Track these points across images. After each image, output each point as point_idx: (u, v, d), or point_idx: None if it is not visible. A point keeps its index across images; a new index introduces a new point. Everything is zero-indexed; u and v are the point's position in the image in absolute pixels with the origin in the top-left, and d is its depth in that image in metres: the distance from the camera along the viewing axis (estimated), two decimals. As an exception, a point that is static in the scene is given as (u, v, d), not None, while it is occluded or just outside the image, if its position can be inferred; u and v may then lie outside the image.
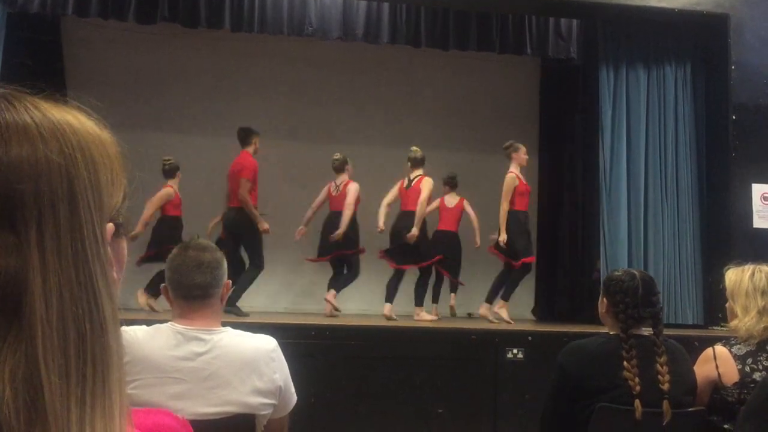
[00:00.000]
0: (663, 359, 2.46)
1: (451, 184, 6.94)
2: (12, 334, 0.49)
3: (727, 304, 2.80)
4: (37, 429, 0.49)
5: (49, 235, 0.52)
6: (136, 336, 1.96)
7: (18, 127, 0.53)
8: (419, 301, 6.44)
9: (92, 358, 0.53)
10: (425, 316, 6.32)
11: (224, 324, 2.14)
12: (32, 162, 0.52)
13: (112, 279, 0.56)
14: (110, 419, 0.53)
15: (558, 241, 7.96)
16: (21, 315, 0.50)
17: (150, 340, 1.97)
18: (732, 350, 2.66)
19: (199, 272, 2.03)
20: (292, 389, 2.14)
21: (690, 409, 2.51)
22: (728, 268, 2.83)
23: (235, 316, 5.38)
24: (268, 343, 2.10)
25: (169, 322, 2.05)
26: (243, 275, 5.85)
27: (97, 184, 0.55)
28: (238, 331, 2.10)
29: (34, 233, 0.51)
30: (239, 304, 5.78)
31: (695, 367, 2.66)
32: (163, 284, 2.13)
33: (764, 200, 6.18)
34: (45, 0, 6.18)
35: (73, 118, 0.57)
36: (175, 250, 2.11)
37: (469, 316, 7.04)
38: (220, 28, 6.67)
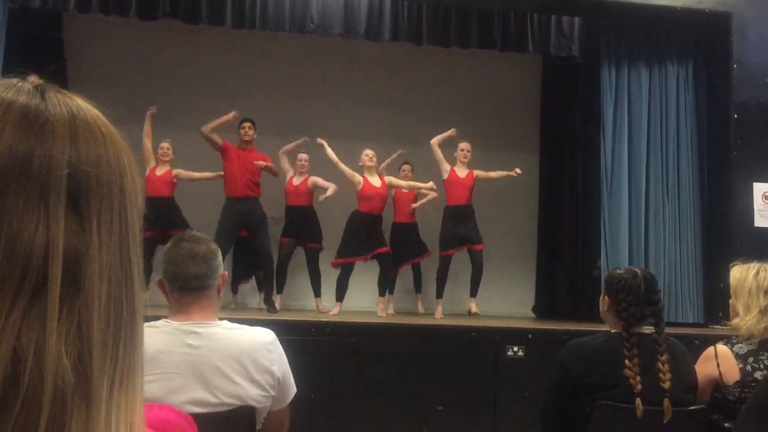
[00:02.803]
0: (664, 357, 2.46)
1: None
2: (67, 307, 0.52)
3: (730, 301, 2.79)
4: (80, 402, 0.52)
5: (105, 221, 0.56)
6: None
7: (83, 121, 0.57)
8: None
9: (124, 341, 0.56)
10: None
11: (221, 319, 2.14)
12: (96, 153, 0.57)
13: (142, 273, 0.60)
14: (133, 402, 0.57)
15: (558, 239, 7.95)
16: (78, 292, 0.53)
17: (146, 337, 1.95)
18: (733, 349, 2.66)
19: (194, 263, 2.03)
20: (291, 381, 2.15)
21: (691, 408, 2.51)
22: (734, 265, 2.81)
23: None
24: (266, 335, 2.10)
25: (163, 319, 2.05)
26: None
27: (134, 185, 0.60)
28: (235, 324, 2.10)
29: (95, 217, 0.55)
30: None
31: (696, 366, 2.65)
32: (159, 278, 2.12)
33: (765, 199, 6.18)
34: (47, -5, 6.19)
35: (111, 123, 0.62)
36: (169, 244, 2.11)
37: (470, 313, 7.04)
38: (222, 24, 6.66)
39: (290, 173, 6.77)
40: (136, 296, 0.58)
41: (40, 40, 7.13)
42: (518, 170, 6.55)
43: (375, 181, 6.44)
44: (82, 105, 0.59)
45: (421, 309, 6.90)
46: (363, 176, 6.43)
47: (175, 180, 6.56)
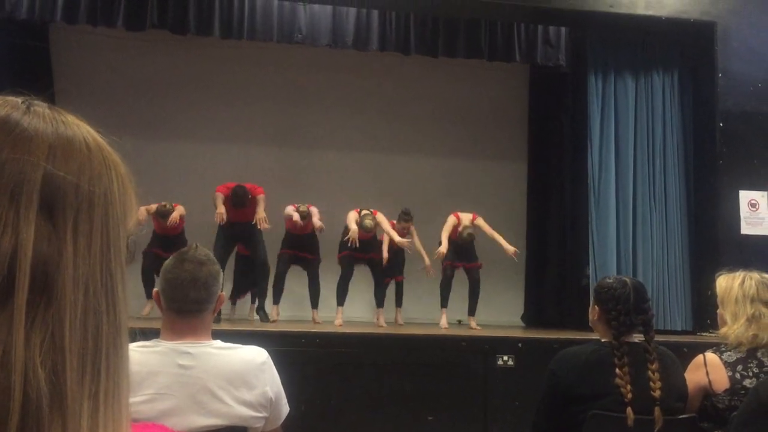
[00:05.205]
0: (654, 366, 2.47)
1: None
2: (39, 316, 0.51)
3: (717, 311, 2.80)
4: (56, 415, 0.50)
5: (83, 231, 0.55)
6: None
7: (66, 135, 0.57)
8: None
9: (107, 355, 0.55)
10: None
11: (216, 334, 2.11)
12: (77, 164, 0.56)
13: (128, 289, 0.59)
14: (118, 420, 0.55)
15: (547, 248, 7.98)
16: (50, 298, 0.52)
17: (138, 358, 1.93)
18: (722, 357, 2.66)
19: (194, 289, 1.99)
20: (284, 400, 2.12)
21: (681, 416, 2.52)
22: (720, 274, 2.82)
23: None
24: (258, 355, 2.07)
25: (155, 339, 2.02)
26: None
27: (123, 202, 0.59)
28: (228, 344, 2.07)
29: (71, 226, 0.54)
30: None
31: (686, 374, 2.66)
32: (155, 289, 2.09)
33: (752, 207, 6.23)
34: (33, 6, 6.16)
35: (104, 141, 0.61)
36: (171, 261, 2.05)
37: (459, 323, 7.04)
38: (210, 35, 6.65)
39: (293, 214, 6.44)
40: (119, 310, 0.57)
41: (27, 50, 7.10)
42: (514, 252, 6.47)
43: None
44: (71, 120, 0.59)
45: (400, 320, 6.91)
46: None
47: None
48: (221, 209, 6.12)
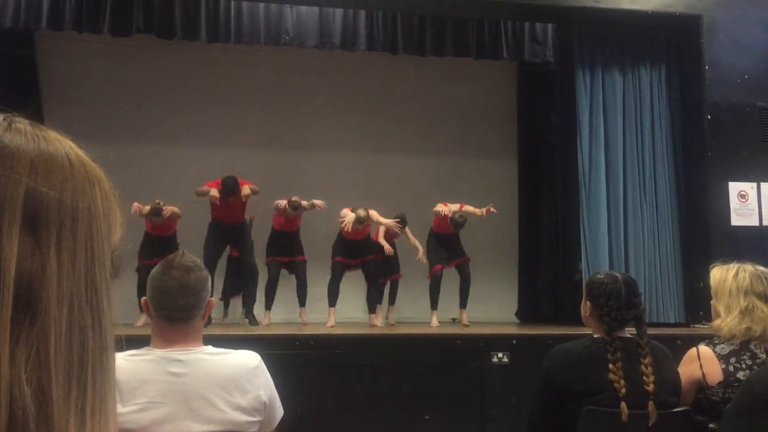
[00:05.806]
0: (647, 360, 2.48)
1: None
2: (24, 332, 0.51)
3: (711, 303, 2.80)
4: (42, 431, 0.51)
5: (67, 246, 0.55)
6: (117, 363, 1.90)
7: (48, 151, 0.57)
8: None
9: (92, 371, 0.55)
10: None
11: (208, 339, 2.11)
12: (59, 180, 0.56)
13: (113, 304, 0.59)
14: None
15: (539, 244, 8.00)
16: (35, 315, 0.52)
17: (128, 367, 1.92)
18: (715, 350, 2.67)
19: (183, 295, 1.98)
20: (278, 403, 2.11)
21: (675, 410, 2.53)
22: (713, 266, 2.81)
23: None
24: (251, 359, 2.07)
25: (146, 347, 2.01)
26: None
27: (107, 217, 0.59)
28: (220, 349, 2.06)
29: (54, 242, 0.54)
30: None
31: (679, 368, 2.67)
32: (144, 298, 2.08)
33: (741, 198, 6.26)
34: (18, 14, 6.12)
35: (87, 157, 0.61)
36: (158, 268, 2.04)
37: (453, 321, 7.05)
38: (196, 38, 6.63)
39: (282, 204, 6.44)
40: (104, 325, 0.57)
41: (13, 58, 7.06)
42: (492, 209, 6.59)
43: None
44: (52, 136, 0.59)
45: (392, 320, 6.90)
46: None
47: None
48: (214, 192, 6.11)
